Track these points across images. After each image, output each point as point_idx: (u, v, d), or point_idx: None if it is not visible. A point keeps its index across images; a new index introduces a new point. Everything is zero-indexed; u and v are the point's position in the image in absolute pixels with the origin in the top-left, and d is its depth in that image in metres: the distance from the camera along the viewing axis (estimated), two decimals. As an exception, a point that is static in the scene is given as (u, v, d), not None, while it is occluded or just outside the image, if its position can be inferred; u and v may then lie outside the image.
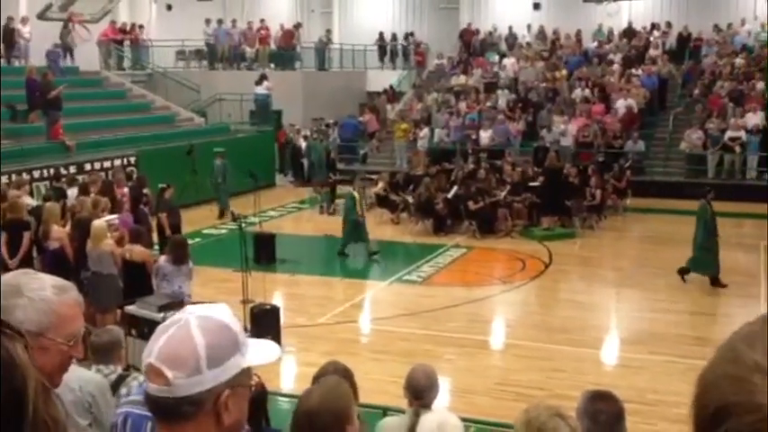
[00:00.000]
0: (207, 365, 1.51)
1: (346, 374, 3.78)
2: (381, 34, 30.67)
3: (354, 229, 15.32)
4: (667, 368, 9.38)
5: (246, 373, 1.57)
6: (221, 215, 18.10)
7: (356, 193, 15.59)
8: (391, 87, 28.83)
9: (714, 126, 21.83)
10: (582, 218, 17.67)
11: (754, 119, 21.68)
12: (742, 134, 21.37)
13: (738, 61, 24.75)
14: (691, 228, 18.10)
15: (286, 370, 9.73)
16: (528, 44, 28.45)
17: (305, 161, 22.90)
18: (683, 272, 13.32)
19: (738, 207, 19.08)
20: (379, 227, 18.17)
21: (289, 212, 20.19)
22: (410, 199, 18.10)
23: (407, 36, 30.65)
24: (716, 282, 13.11)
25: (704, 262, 13.18)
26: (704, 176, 21.55)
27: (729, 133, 21.43)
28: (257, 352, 1.61)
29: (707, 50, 25.93)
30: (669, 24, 27.17)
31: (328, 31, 30.15)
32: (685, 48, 26.45)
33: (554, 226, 17.25)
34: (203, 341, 1.51)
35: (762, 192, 20.27)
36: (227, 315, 1.60)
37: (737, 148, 21.33)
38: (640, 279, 13.83)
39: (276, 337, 9.74)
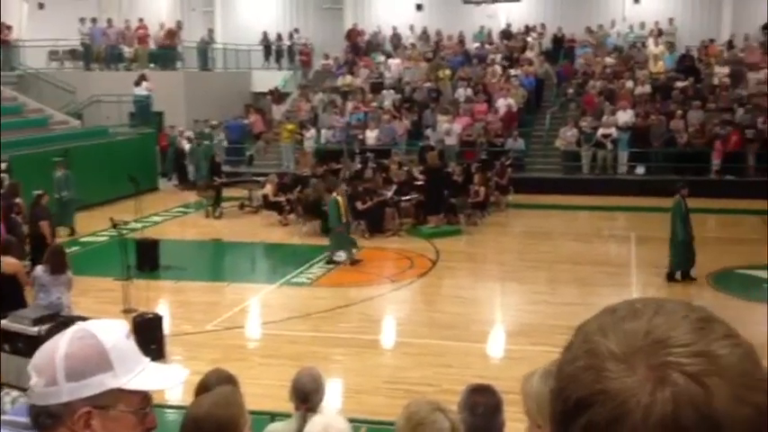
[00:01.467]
0: (65, 377, 1.46)
1: (230, 382, 3.75)
2: (266, 34, 30.39)
3: (340, 235, 15.00)
4: (546, 358, 9.60)
5: (124, 396, 1.50)
6: (72, 233, 16.73)
7: (339, 198, 15.16)
8: (277, 88, 28.61)
9: (587, 124, 22.79)
10: (467, 215, 18.09)
11: (624, 116, 22.78)
12: (613, 131, 22.41)
13: (609, 61, 25.92)
14: (568, 222, 19.01)
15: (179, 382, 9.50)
16: (412, 45, 28.86)
17: (189, 164, 22.42)
18: (672, 277, 13.40)
19: (611, 201, 20.04)
20: (268, 229, 18.03)
21: (173, 217, 19.72)
22: (297, 200, 18.02)
23: (292, 36, 30.50)
24: (686, 275, 13.38)
25: (684, 257, 13.33)
26: (579, 172, 22.53)
27: (602, 130, 22.44)
28: (147, 377, 1.54)
29: (580, 51, 27.03)
30: (544, 26, 28.14)
31: (210, 31, 29.63)
32: (560, 49, 27.49)
33: (440, 224, 17.58)
34: (64, 352, 1.47)
35: (632, 186, 21.37)
36: (110, 332, 1.53)
37: (609, 145, 22.35)
38: (522, 273, 14.29)
39: (160, 347, 9.53)
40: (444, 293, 13.65)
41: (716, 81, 24.02)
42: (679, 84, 24.07)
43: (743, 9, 26.91)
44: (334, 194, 15.19)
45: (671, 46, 26.04)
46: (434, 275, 14.34)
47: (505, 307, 12.95)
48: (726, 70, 24.31)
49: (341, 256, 14.88)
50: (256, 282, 14.35)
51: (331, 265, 14.83)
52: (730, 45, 25.94)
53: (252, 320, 12.14)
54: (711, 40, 26.27)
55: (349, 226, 15.32)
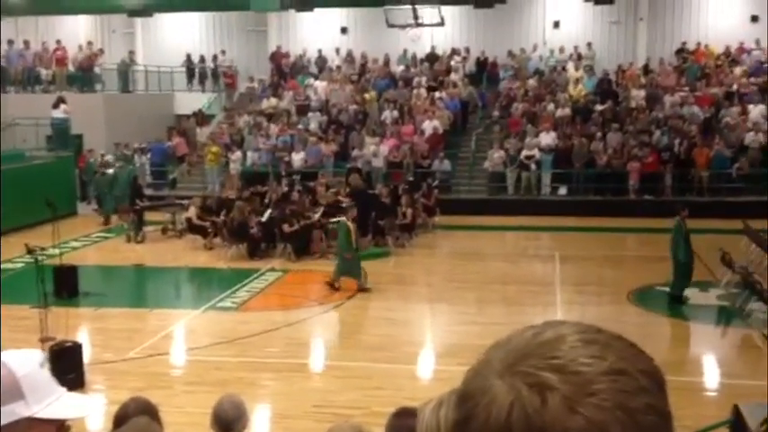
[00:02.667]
0: None
1: (149, 410, 3.58)
2: (189, 56, 30.01)
3: (349, 262, 14.46)
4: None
5: (36, 425, 1.47)
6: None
7: (350, 224, 14.65)
8: (200, 110, 28.24)
9: (512, 146, 23.18)
10: (394, 237, 18.09)
11: (546, 138, 23.25)
12: (536, 153, 22.84)
13: (531, 84, 26.48)
14: (495, 242, 19.21)
15: (95, 411, 9.13)
16: (338, 67, 28.92)
17: (108, 188, 21.83)
18: (678, 300, 13.33)
19: (535, 221, 20.38)
20: (192, 253, 17.67)
21: (93, 242, 19.14)
22: (222, 223, 17.72)
23: (216, 58, 30.18)
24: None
25: (687, 277, 13.32)
26: (505, 193, 22.85)
27: (525, 152, 22.84)
28: (60, 406, 1.51)
29: (503, 74, 27.55)
30: (468, 50, 28.61)
31: (131, 53, 29.08)
32: (483, 72, 27.96)
33: (368, 246, 17.52)
34: None
35: (555, 206, 21.79)
36: (23, 361, 1.51)
37: (533, 166, 22.76)
38: (450, 293, 14.32)
39: (79, 376, 9.16)
40: (373, 315, 13.56)
41: (633, 104, 24.78)
42: (598, 107, 24.74)
43: (657, 34, 27.93)
44: (344, 219, 14.72)
45: (590, 70, 26.79)
46: (362, 298, 14.24)
47: (434, 328, 12.94)
48: (642, 93, 25.11)
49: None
50: (180, 307, 13.99)
51: (256, 288, 14.60)
52: (646, 69, 26.83)
53: (176, 347, 11.80)
54: (631, 64, 27.13)
55: (358, 252, 14.81)
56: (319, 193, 19.15)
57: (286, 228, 16.86)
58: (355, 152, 23.36)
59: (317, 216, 17.69)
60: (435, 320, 13.35)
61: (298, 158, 23.56)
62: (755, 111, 23.58)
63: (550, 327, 0.90)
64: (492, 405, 0.84)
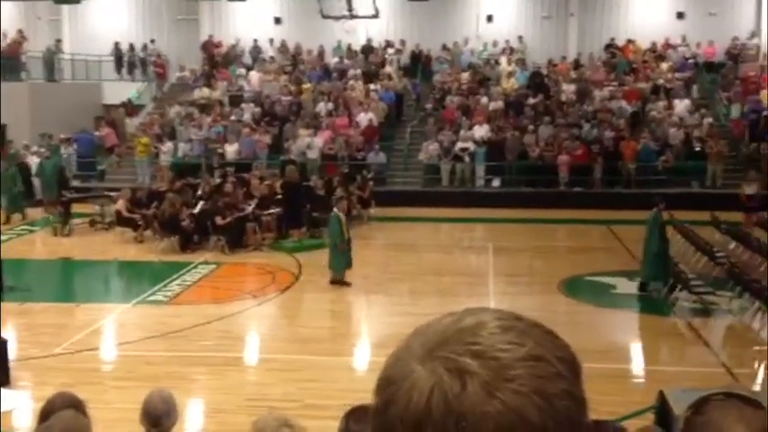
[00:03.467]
0: None
1: (76, 405, 3.48)
2: (117, 44, 29.28)
3: (343, 254, 14.12)
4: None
5: None
6: None
7: (341, 214, 14.37)
8: (129, 100, 27.61)
9: (446, 138, 23.35)
10: (329, 228, 18.01)
11: (480, 131, 23.50)
12: (470, 145, 23.07)
13: (465, 77, 26.70)
14: (429, 234, 19.35)
15: (19, 406, 8.87)
16: (271, 58, 28.63)
17: (35, 180, 21.19)
18: (644, 288, 13.48)
19: (469, 212, 20.59)
20: (121, 246, 17.31)
21: (18, 235, 18.55)
22: (153, 216, 17.38)
23: (146, 47, 29.53)
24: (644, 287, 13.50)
25: (658, 268, 13.43)
26: (439, 185, 23.03)
27: (459, 144, 23.04)
28: None
29: (437, 67, 27.70)
30: (403, 42, 28.67)
31: (58, 41, 28.22)
32: (418, 64, 28.07)
33: (303, 238, 17.44)
34: None
35: (489, 198, 22.06)
36: None
37: (467, 158, 22.98)
38: (385, 285, 14.37)
39: (4, 373, 8.87)
40: (308, 307, 13.52)
41: (564, 98, 25.22)
42: (530, 100, 25.10)
43: (587, 29, 28.47)
44: (336, 210, 14.46)
45: (522, 64, 27.15)
46: (297, 290, 14.18)
47: (369, 319, 12.96)
48: (573, 87, 25.59)
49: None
50: (110, 301, 13.68)
51: (188, 282, 14.38)
52: (576, 64, 27.34)
53: (105, 342, 11.54)
54: (563, 58, 27.59)
55: (350, 243, 14.52)
56: (253, 185, 18.94)
57: (219, 220, 16.65)
58: (289, 144, 23.20)
59: (250, 208, 17.52)
60: (370, 312, 13.37)
61: (231, 150, 23.27)
62: (681, 105, 24.28)
63: (470, 314, 0.92)
64: (412, 390, 0.85)
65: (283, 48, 29.06)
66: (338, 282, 14.07)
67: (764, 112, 23.29)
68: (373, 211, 20.33)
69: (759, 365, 10.43)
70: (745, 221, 17.36)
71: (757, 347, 11.08)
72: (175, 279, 14.52)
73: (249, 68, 28.08)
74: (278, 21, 29.62)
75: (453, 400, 0.83)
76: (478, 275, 14.99)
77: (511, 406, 0.83)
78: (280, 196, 18.08)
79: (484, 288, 14.05)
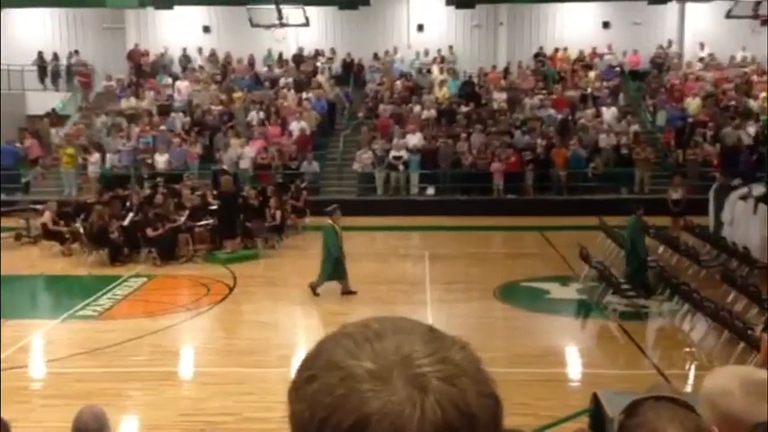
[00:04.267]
0: None
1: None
2: (41, 54, 28.44)
3: (337, 267, 13.85)
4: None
5: None
6: None
7: (337, 226, 14.02)
8: (54, 110, 26.83)
9: (380, 147, 23.38)
10: (264, 239, 17.84)
11: (413, 139, 23.60)
12: (404, 153, 23.14)
13: (398, 86, 26.81)
14: (365, 243, 19.29)
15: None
16: (200, 67, 28.24)
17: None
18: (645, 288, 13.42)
19: (405, 221, 20.62)
20: (48, 260, 16.77)
21: (-64, 251, 17.78)
22: (81, 228, 16.89)
23: (71, 56, 28.75)
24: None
25: (642, 273, 13.56)
26: (374, 194, 23.02)
27: (393, 153, 23.10)
28: None
29: (369, 76, 27.75)
30: (333, 51, 28.63)
31: (-22, 50, 27.24)
32: (350, 73, 28.06)
33: (237, 248, 17.20)
34: None
35: (424, 206, 22.15)
36: None
37: (401, 167, 23.05)
38: (321, 294, 14.22)
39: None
40: (243, 319, 13.30)
41: (495, 106, 25.55)
42: (462, 108, 25.35)
43: (516, 38, 28.93)
44: (330, 222, 14.16)
45: (453, 72, 27.41)
46: (232, 301, 13.95)
47: (305, 329, 12.81)
48: (504, 96, 25.95)
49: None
50: (37, 317, 13.21)
51: (119, 295, 14.00)
52: (507, 72, 27.74)
53: (33, 359, 11.12)
54: (493, 67, 27.95)
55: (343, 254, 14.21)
56: (185, 195, 18.60)
57: (150, 232, 16.28)
58: (221, 154, 22.88)
59: (182, 219, 17.19)
60: (306, 322, 13.23)
61: (161, 160, 22.83)
62: (608, 113, 24.86)
63: (388, 327, 0.93)
64: (418, 411, 0.84)
65: (213, 57, 28.69)
66: (350, 292, 13.88)
67: (689, 119, 24.04)
68: (308, 220, 20.19)
69: (689, 367, 10.69)
70: (672, 226, 17.83)
71: (687, 349, 11.37)
72: (105, 293, 14.13)
73: (178, 78, 27.61)
74: (207, 29, 29.23)
75: (462, 405, 0.87)
76: (415, 283, 15.00)
77: (499, 400, 0.93)
78: (213, 207, 17.80)
79: (421, 296, 14.06)
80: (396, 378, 0.85)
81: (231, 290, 14.55)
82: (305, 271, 16.47)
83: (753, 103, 24.90)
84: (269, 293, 14.73)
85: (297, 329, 12.88)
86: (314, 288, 13.91)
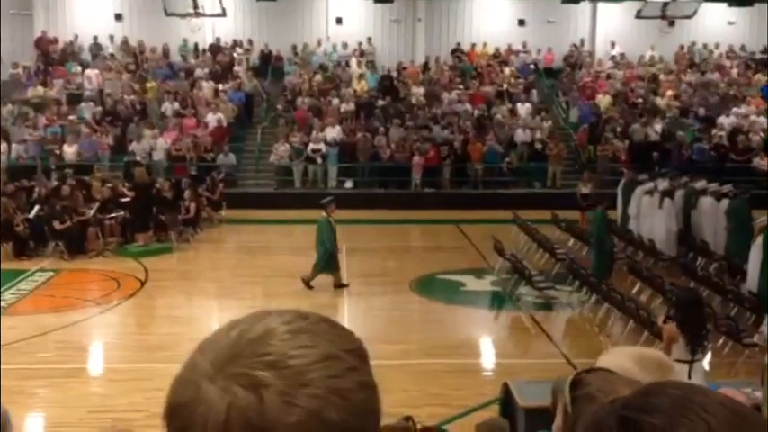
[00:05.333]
0: None
1: None
2: (-59, 39, 27.11)
3: (330, 260, 13.72)
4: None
5: None
6: None
7: (331, 219, 13.87)
8: (-45, 99, 25.61)
9: (298, 139, 23.21)
10: (178, 232, 17.49)
11: (332, 132, 23.52)
12: (322, 146, 23.04)
13: (317, 78, 26.66)
14: (283, 236, 19.15)
15: None
16: (112, 55, 27.43)
17: None
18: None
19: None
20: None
21: None
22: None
23: (-26, 42, 27.49)
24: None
25: (608, 264, 13.76)
26: (292, 186, 22.86)
27: (311, 146, 22.97)
28: None
29: (288, 68, 27.50)
30: (251, 42, 28.25)
31: None
32: (268, 65, 27.75)
33: (149, 242, 16.81)
34: None
35: (342, 199, 22.01)
36: None
37: (319, 160, 22.94)
38: (237, 288, 14.07)
39: None
40: (155, 314, 13.02)
41: (413, 100, 25.70)
42: (380, 102, 25.40)
43: (434, 34, 29.15)
44: (324, 215, 14.00)
45: (372, 66, 27.43)
46: (144, 296, 13.63)
47: (220, 324, 12.50)
48: (422, 91, 26.12)
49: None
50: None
51: (24, 290, 13.50)
52: (425, 67, 27.93)
53: (-72, 358, 10.60)
54: (412, 61, 28.09)
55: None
56: (94, 187, 18.06)
57: (57, 225, 15.75)
58: (133, 145, 22.29)
59: (92, 212, 16.69)
60: (221, 316, 13.01)
61: (70, 151, 22.08)
62: (523, 109, 25.33)
63: (257, 320, 0.90)
64: (208, 412, 0.83)
65: (125, 45, 27.90)
66: (341, 285, 13.87)
67: (603, 116, 24.70)
68: (224, 213, 19.91)
69: (597, 355, 10.98)
70: (581, 219, 18.31)
71: (595, 338, 11.71)
72: (10, 288, 13.61)
73: (88, 66, 26.75)
74: (119, 17, 28.37)
75: (253, 416, 0.81)
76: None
77: (311, 411, 0.82)
78: (124, 199, 17.35)
79: (338, 289, 14.03)
80: (218, 376, 0.84)
81: (143, 284, 14.22)
82: (220, 264, 16.27)
83: (660, 101, 25.79)
84: (182, 287, 14.46)
85: (212, 324, 12.65)
86: (307, 281, 13.82)
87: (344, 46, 28.34)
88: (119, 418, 8.23)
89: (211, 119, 23.81)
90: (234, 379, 0.83)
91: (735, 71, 27.97)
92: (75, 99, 24.93)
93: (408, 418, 4.33)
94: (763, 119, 24.66)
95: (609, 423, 0.86)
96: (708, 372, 8.08)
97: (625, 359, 2.02)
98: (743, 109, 25.22)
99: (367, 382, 0.89)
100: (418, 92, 26.04)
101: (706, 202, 15.35)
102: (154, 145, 22.30)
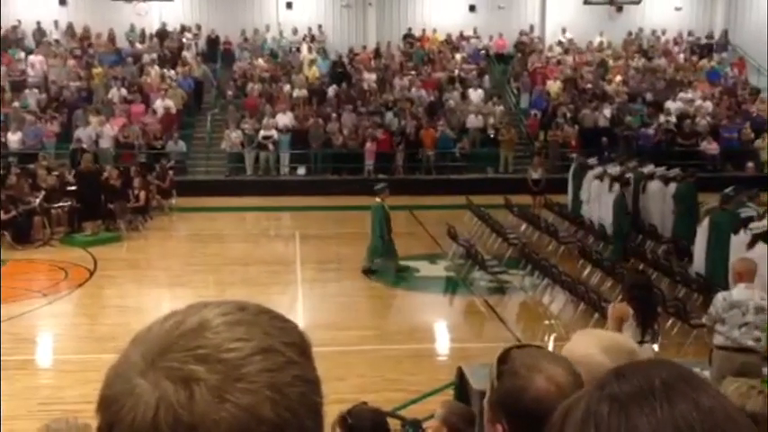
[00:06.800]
0: None
1: None
2: None
3: (386, 243, 13.80)
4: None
5: None
6: None
7: (385, 204, 13.90)
8: None
9: (249, 126, 22.98)
10: (127, 220, 17.21)
11: (284, 119, 23.34)
12: (274, 133, 22.85)
13: (266, 65, 26.38)
14: (235, 223, 18.99)
15: None
16: (56, 41, 26.76)
17: None
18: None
19: (275, 201, 20.40)
20: None
21: None
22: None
23: None
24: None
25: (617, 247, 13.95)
26: (243, 173, 22.65)
27: (263, 132, 22.76)
28: None
29: (238, 54, 27.16)
30: (199, 27, 27.81)
31: None
32: (216, 50, 27.37)
33: (98, 230, 16.51)
34: None
35: (294, 186, 21.99)
36: None
37: (271, 146, 22.75)
38: (189, 277, 13.90)
39: None
40: (105, 304, 12.78)
41: (366, 86, 25.61)
42: (333, 88, 25.26)
43: (386, 19, 29.05)
44: (378, 200, 13.96)
45: (323, 52, 27.25)
46: (93, 285, 13.38)
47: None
48: (374, 76, 26.04)
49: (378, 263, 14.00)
50: None
51: None
52: (377, 53, 27.84)
53: None
54: (363, 47, 27.96)
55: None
56: (40, 176, 17.65)
57: (2, 214, 15.35)
58: (79, 132, 21.80)
59: (37, 201, 16.31)
60: (172, 305, 12.26)
61: (14, 139, 21.54)
62: (475, 95, 25.44)
63: (193, 312, 0.88)
64: (137, 407, 0.80)
65: (70, 31, 27.24)
66: (399, 269, 13.98)
67: (554, 102, 24.92)
68: (174, 201, 19.65)
69: (549, 338, 11.15)
70: (533, 204, 18.49)
71: (547, 321, 11.86)
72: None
73: (31, 52, 26.06)
74: (63, 2, 27.66)
75: (182, 412, 0.79)
76: (286, 264, 14.88)
77: (243, 406, 0.79)
78: (72, 187, 16.99)
79: (292, 276, 13.97)
80: (149, 370, 0.82)
81: (92, 274, 13.96)
82: (171, 253, 16.05)
83: (609, 87, 26.13)
84: (132, 277, 14.24)
85: (163, 313, 12.41)
86: (367, 269, 13.84)
87: (295, 32, 28.09)
88: (69, 410, 8.03)
89: (160, 105, 23.43)
90: (164, 373, 0.81)
91: (681, 56, 28.46)
92: (18, 86, 24.29)
93: (364, 404, 4.33)
94: (708, 103, 25.17)
95: (601, 412, 0.84)
96: (657, 353, 8.23)
97: (590, 345, 2.03)
98: (689, 94, 25.68)
99: (306, 376, 0.85)
100: (370, 78, 25.95)
101: (654, 186, 15.60)
102: (101, 132, 21.86)
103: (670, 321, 10.19)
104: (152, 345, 0.84)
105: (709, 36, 29.38)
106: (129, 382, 0.82)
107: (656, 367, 0.87)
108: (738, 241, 10.74)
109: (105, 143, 21.76)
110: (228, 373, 0.80)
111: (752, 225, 10.45)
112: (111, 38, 26.97)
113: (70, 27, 27.26)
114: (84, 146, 20.82)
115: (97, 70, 24.98)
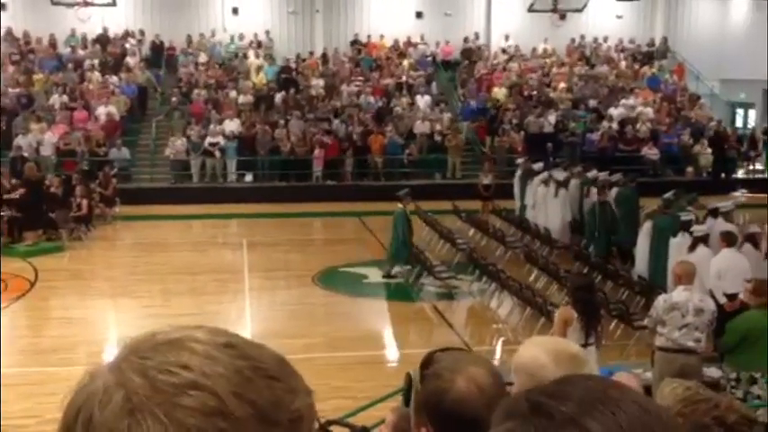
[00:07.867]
0: None
1: None
2: None
3: (404, 249, 13.79)
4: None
5: None
6: None
7: (407, 210, 14.07)
8: None
9: (195, 132, 22.71)
10: (69, 230, 16.84)
11: (230, 125, 23.13)
12: (221, 140, 22.63)
13: (213, 71, 26.12)
14: (181, 232, 18.76)
15: None
16: (-6, 46, 26.08)
17: None
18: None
19: (222, 208, 20.21)
20: None
21: None
22: None
23: None
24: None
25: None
26: (189, 181, 22.37)
27: (209, 139, 22.52)
28: None
29: (183, 59, 26.84)
30: (143, 32, 27.40)
31: None
32: (160, 56, 27.00)
33: (39, 240, 16.13)
34: None
35: (242, 193, 21.76)
36: None
37: (218, 153, 22.52)
38: (133, 287, 13.66)
39: None
40: (46, 316, 12.49)
41: (313, 92, 25.54)
42: (280, 94, 25.13)
43: (333, 25, 29.02)
44: (400, 206, 14.02)
45: (270, 58, 27.09)
46: (34, 297, 13.05)
47: (116, 324, 12.24)
48: (321, 83, 25.99)
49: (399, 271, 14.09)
50: None
51: None
52: (325, 59, 27.79)
53: None
54: (311, 53, 27.86)
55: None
56: (-22, 184, 17.15)
57: (-62, 225, 14.89)
58: (20, 140, 21.27)
59: (-24, 210, 15.86)
60: (117, 316, 12.64)
61: (-50, 147, 20.91)
62: (422, 101, 25.57)
63: (182, 330, 0.86)
64: (81, 393, 0.82)
65: (9, 35, 26.58)
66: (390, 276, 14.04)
67: (500, 108, 25.18)
68: (118, 209, 19.30)
69: (496, 342, 11.25)
70: (482, 209, 18.64)
71: (495, 325, 11.96)
72: None
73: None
74: (2, 6, 27.02)
75: (96, 412, 0.79)
76: (233, 272, 14.72)
77: (140, 430, 0.76)
78: (11, 196, 16.55)
79: (239, 285, 13.83)
80: (113, 366, 0.83)
81: (32, 285, 13.62)
82: (115, 263, 15.75)
83: (553, 93, 26.53)
84: (75, 288, 13.92)
85: (107, 324, 12.27)
86: (388, 274, 14.02)
87: (241, 37, 27.87)
88: (10, 425, 7.85)
89: (102, 112, 23.02)
90: (115, 374, 0.81)
91: (623, 64, 29.04)
92: (-46, 92, 23.60)
93: None
94: (649, 109, 25.73)
95: (521, 408, 0.84)
96: (600, 354, 8.36)
97: (540, 354, 2.05)
98: (631, 100, 26.22)
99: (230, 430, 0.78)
100: (317, 84, 25.89)
101: (596, 190, 15.85)
102: (41, 139, 21.39)
103: (613, 323, 10.37)
104: (128, 345, 0.85)
105: (650, 44, 30.05)
106: (92, 377, 0.83)
107: (589, 378, 0.88)
108: (678, 244, 10.97)
109: (46, 151, 21.29)
110: (152, 396, 0.78)
111: (694, 228, 10.68)
112: (52, 43, 26.42)
113: (9, 32, 26.59)
114: (25, 154, 20.34)
115: (38, 76, 24.44)
